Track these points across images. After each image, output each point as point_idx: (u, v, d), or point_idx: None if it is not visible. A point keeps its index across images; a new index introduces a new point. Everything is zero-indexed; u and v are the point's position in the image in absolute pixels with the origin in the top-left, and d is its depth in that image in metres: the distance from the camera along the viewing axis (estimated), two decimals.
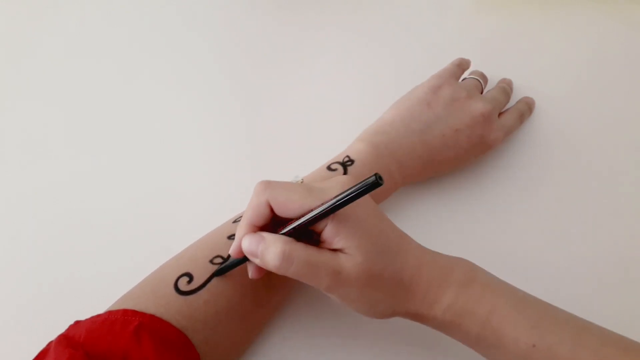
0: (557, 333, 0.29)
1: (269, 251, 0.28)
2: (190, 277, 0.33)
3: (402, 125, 0.41)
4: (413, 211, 0.44)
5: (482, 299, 0.30)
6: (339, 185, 0.30)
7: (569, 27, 0.55)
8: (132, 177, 0.46)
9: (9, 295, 0.41)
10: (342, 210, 0.28)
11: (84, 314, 0.31)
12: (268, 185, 0.30)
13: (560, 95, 0.50)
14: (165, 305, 0.31)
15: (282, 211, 0.29)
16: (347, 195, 0.27)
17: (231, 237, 0.35)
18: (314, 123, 0.49)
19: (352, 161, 0.39)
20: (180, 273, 0.33)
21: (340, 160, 0.39)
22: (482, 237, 0.43)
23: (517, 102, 0.48)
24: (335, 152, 0.41)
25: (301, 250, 0.28)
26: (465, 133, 0.42)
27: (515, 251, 0.42)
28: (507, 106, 0.48)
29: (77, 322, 0.31)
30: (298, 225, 0.29)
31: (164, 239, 0.38)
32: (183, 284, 0.32)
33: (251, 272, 0.31)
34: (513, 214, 0.44)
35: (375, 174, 0.25)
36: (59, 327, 0.30)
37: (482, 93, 0.47)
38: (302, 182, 0.33)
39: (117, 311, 0.30)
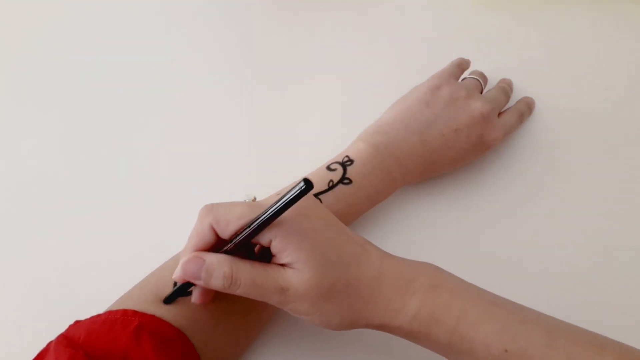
0: (528, 336, 0.29)
1: (215, 274, 0.28)
2: None
3: (401, 125, 0.41)
4: (413, 211, 0.44)
5: (449, 305, 0.30)
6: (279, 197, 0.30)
7: (569, 27, 0.55)
8: (132, 178, 0.46)
9: (9, 295, 0.41)
10: (288, 224, 0.27)
11: (84, 314, 0.31)
12: (211, 208, 0.29)
13: (560, 95, 0.50)
14: (164, 305, 0.31)
15: (223, 230, 0.29)
16: (278, 205, 0.26)
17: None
18: (314, 123, 0.49)
19: (351, 161, 0.39)
20: None
21: (340, 160, 0.39)
22: (481, 237, 0.43)
23: (517, 102, 0.48)
24: (336, 152, 0.41)
25: (246, 270, 0.28)
26: (464, 133, 0.42)
27: (515, 251, 0.42)
28: (507, 106, 0.48)
29: (77, 322, 0.31)
30: (237, 240, 0.28)
31: (164, 240, 0.38)
32: None
33: (194, 297, 0.30)
34: (513, 214, 0.44)
35: (304, 179, 0.24)
36: (59, 327, 0.30)
37: (481, 93, 0.47)
38: (253, 201, 0.32)
39: (117, 311, 0.30)
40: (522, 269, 0.41)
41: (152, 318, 0.30)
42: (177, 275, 0.29)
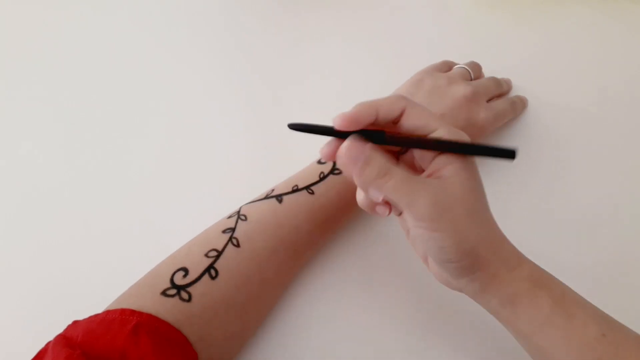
0: (624, 330, 0.29)
1: (371, 166, 0.27)
2: (185, 271, 0.33)
3: None
4: None
5: (554, 279, 0.30)
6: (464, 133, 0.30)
7: (569, 26, 0.55)
8: (131, 178, 0.47)
9: (8, 295, 0.41)
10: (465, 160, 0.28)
11: (82, 314, 0.31)
12: (410, 100, 0.29)
13: (560, 95, 0.50)
14: (162, 301, 0.31)
15: (405, 122, 0.29)
16: (486, 148, 0.28)
17: (226, 231, 0.35)
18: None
19: None
20: (175, 268, 0.33)
21: None
22: None
23: (510, 96, 0.49)
24: None
25: (398, 169, 0.28)
26: (450, 116, 0.41)
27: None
28: None
29: (75, 322, 0.31)
30: (421, 140, 0.28)
31: (163, 239, 0.38)
32: (179, 278, 0.32)
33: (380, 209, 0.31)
34: (512, 214, 0.44)
35: (515, 149, 0.26)
36: (57, 327, 0.30)
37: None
38: None
39: (115, 310, 0.30)
40: None
41: (150, 317, 0.30)
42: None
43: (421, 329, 0.38)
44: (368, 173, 0.28)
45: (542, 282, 0.30)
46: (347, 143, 0.28)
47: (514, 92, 0.50)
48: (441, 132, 0.28)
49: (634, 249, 0.42)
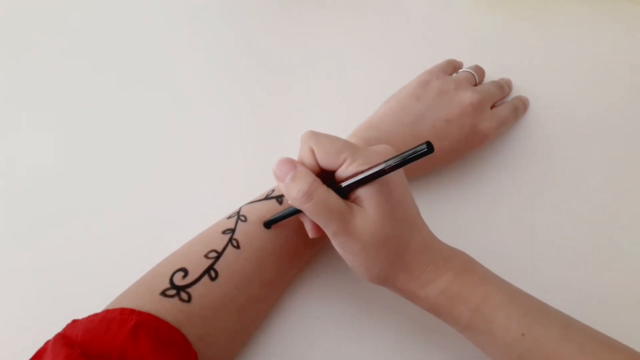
0: (546, 325, 0.30)
1: (297, 183, 0.29)
2: (185, 271, 0.33)
3: (392, 119, 0.42)
4: None
5: (477, 286, 0.31)
6: (382, 150, 0.32)
7: (569, 26, 0.55)
8: (130, 177, 0.46)
9: (7, 294, 0.41)
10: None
11: (82, 313, 0.31)
12: (312, 134, 0.31)
13: (560, 95, 0.50)
14: (161, 301, 0.31)
15: (321, 158, 0.31)
16: (400, 160, 0.28)
17: (226, 232, 0.35)
18: (313, 123, 0.49)
19: None
20: (175, 268, 0.33)
21: None
22: (479, 235, 0.43)
23: (512, 98, 0.49)
24: None
25: (323, 191, 0.29)
26: (456, 123, 0.42)
27: (512, 248, 0.42)
28: None
29: (74, 321, 0.31)
30: (347, 185, 0.30)
31: (163, 239, 0.38)
32: (178, 279, 0.32)
33: (307, 226, 0.33)
34: (511, 213, 0.44)
35: (427, 142, 0.26)
36: (57, 326, 0.30)
37: (475, 86, 0.47)
38: None
39: (114, 310, 0.30)
40: (520, 266, 0.40)
41: (150, 317, 0.30)
42: (273, 169, 0.31)
43: (422, 328, 0.38)
44: (292, 189, 0.30)
45: (461, 293, 0.31)
46: (280, 158, 0.31)
47: (514, 92, 0.50)
48: (353, 166, 0.30)
49: (634, 249, 0.42)
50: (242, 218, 0.36)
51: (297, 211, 0.32)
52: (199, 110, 0.51)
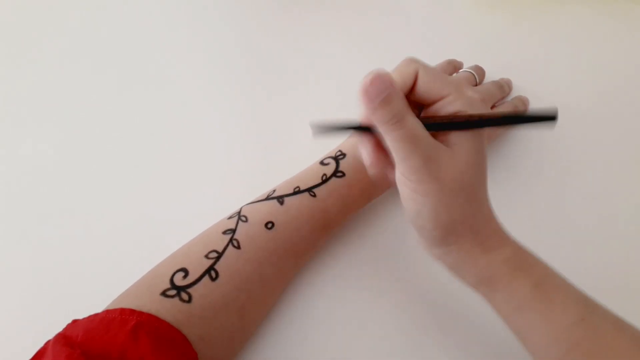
0: (602, 314, 0.29)
1: (391, 105, 0.26)
2: (185, 272, 0.33)
3: None
4: None
5: (538, 264, 0.30)
6: (480, 103, 0.30)
7: (569, 26, 0.55)
8: (130, 177, 0.46)
9: (7, 294, 0.41)
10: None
11: (82, 313, 0.31)
12: (417, 60, 0.29)
13: (560, 95, 0.50)
14: (162, 301, 0.31)
15: (427, 86, 0.28)
16: (511, 117, 0.26)
17: (226, 232, 0.35)
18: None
19: (344, 155, 0.39)
20: (175, 269, 0.33)
21: (333, 155, 0.40)
22: None
23: (512, 98, 0.49)
24: None
25: (414, 122, 0.27)
26: None
27: None
28: None
29: (74, 321, 0.31)
30: (441, 124, 0.28)
31: (163, 239, 0.38)
32: (179, 279, 0.32)
33: (370, 164, 0.30)
34: (510, 213, 0.44)
35: (553, 109, 0.24)
36: (57, 326, 0.30)
37: (476, 86, 0.47)
38: None
39: (115, 310, 0.30)
40: None
41: (150, 317, 0.30)
42: (363, 85, 0.27)
43: (422, 327, 0.38)
44: (383, 112, 0.27)
45: (523, 266, 0.30)
46: (375, 72, 0.27)
47: (514, 92, 0.50)
48: (457, 104, 0.28)
49: (636, 248, 0.42)
50: (243, 218, 0.36)
51: (364, 129, 0.29)
52: (200, 110, 0.51)
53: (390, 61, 0.53)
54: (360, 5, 0.57)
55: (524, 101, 0.49)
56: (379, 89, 0.26)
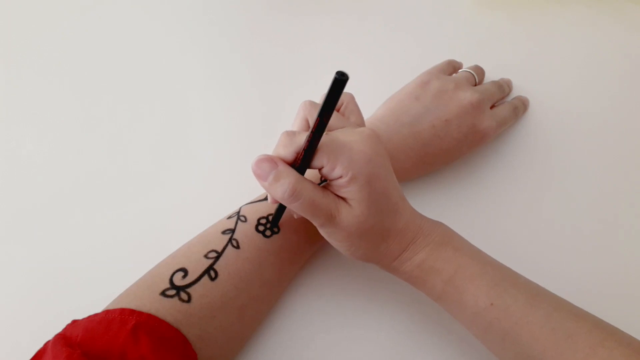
0: (514, 294, 0.31)
1: (280, 183, 0.29)
2: (185, 272, 0.33)
3: (392, 119, 0.42)
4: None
5: (451, 259, 0.33)
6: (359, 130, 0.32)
7: (569, 26, 0.55)
8: (130, 177, 0.47)
9: (7, 294, 0.41)
10: (358, 164, 0.29)
11: (82, 313, 0.31)
12: (312, 103, 0.33)
13: (559, 95, 0.50)
14: (161, 301, 0.31)
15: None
16: (322, 108, 0.26)
17: (225, 232, 0.35)
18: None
19: None
20: (175, 269, 0.33)
21: None
22: (478, 235, 0.43)
23: (512, 98, 0.49)
24: None
25: (309, 188, 0.30)
26: (455, 123, 0.42)
27: (511, 248, 0.42)
28: None
29: (74, 322, 0.31)
30: (301, 154, 0.29)
31: (163, 239, 0.38)
32: (178, 279, 0.32)
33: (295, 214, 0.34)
34: (510, 213, 0.44)
35: (337, 71, 0.24)
36: (57, 326, 0.30)
37: (475, 86, 0.47)
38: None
39: (115, 310, 0.30)
40: (520, 266, 0.40)
41: (150, 317, 0.30)
42: (252, 167, 0.30)
43: (422, 328, 0.38)
44: (276, 190, 0.29)
45: (434, 266, 0.33)
46: (259, 156, 0.30)
47: (514, 92, 0.50)
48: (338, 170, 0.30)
49: (635, 248, 0.42)
50: (242, 218, 0.36)
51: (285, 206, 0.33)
52: (199, 110, 0.51)
53: (390, 62, 0.53)
54: (360, 6, 0.57)
55: (523, 101, 0.49)
56: (265, 170, 0.29)
